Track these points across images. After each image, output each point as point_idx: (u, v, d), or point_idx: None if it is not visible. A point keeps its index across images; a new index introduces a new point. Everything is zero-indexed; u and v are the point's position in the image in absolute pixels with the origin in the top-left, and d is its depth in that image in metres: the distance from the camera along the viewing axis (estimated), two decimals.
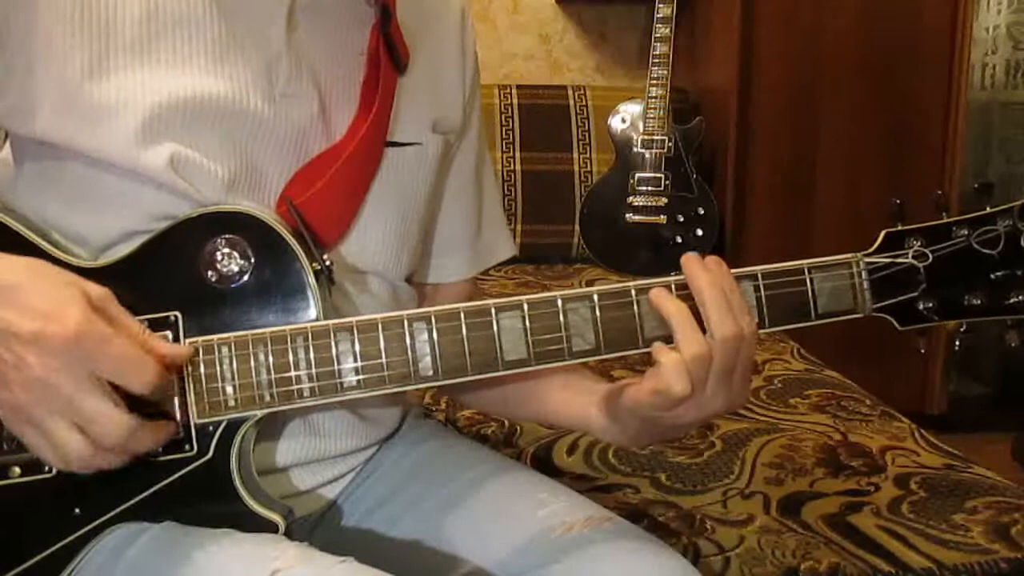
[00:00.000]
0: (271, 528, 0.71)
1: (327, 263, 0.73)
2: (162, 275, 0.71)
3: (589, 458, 1.27)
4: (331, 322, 0.71)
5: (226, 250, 0.71)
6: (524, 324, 0.71)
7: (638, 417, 0.74)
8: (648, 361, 0.71)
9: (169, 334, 0.70)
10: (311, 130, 0.77)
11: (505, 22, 2.80)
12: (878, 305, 0.75)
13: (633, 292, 0.72)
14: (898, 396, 1.90)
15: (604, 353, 0.73)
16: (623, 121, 2.36)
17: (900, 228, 0.75)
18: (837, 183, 2.39)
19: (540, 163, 2.46)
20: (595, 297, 0.72)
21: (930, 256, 0.74)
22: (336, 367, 0.70)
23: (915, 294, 0.75)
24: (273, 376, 0.70)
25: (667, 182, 2.32)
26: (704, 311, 0.69)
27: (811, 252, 0.75)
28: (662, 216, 2.32)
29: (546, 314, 0.72)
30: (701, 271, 0.70)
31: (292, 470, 0.80)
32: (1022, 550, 1.05)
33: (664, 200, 2.32)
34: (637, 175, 2.33)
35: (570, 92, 2.53)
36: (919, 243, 0.74)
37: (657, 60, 2.30)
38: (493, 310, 0.71)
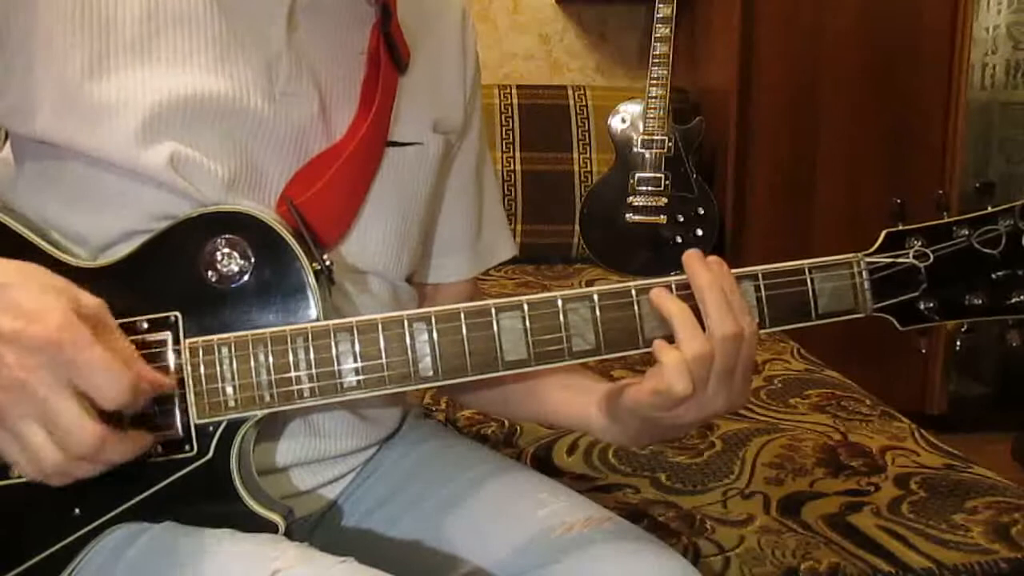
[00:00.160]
0: (271, 528, 0.71)
1: (327, 263, 0.73)
2: (162, 275, 0.71)
3: (589, 458, 1.27)
4: (331, 322, 0.71)
5: (226, 250, 0.71)
6: (524, 324, 0.71)
7: (638, 417, 0.74)
8: (648, 361, 0.71)
9: (169, 335, 0.70)
10: (311, 129, 0.77)
11: (505, 22, 2.80)
12: (879, 305, 0.75)
13: (633, 292, 0.72)
14: (898, 396, 1.91)
15: (604, 353, 0.73)
16: (623, 121, 2.36)
17: (901, 228, 0.75)
18: (837, 183, 2.39)
19: (540, 163, 2.46)
20: (595, 297, 0.72)
21: (931, 256, 0.74)
22: (336, 367, 0.70)
23: (916, 294, 0.74)
24: (273, 376, 0.70)
25: (667, 182, 2.32)
26: (705, 310, 0.69)
27: (811, 252, 0.75)
28: (662, 216, 2.32)
29: (546, 314, 0.72)
30: (703, 269, 0.70)
31: (292, 470, 0.80)
32: (1022, 550, 1.05)
33: (664, 200, 2.32)
34: (637, 175, 2.33)
35: (570, 92, 2.53)
36: (920, 243, 0.74)
37: (657, 60, 2.30)
38: (493, 310, 0.71)
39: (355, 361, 0.70)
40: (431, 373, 0.71)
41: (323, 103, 0.78)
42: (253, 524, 0.71)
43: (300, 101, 0.76)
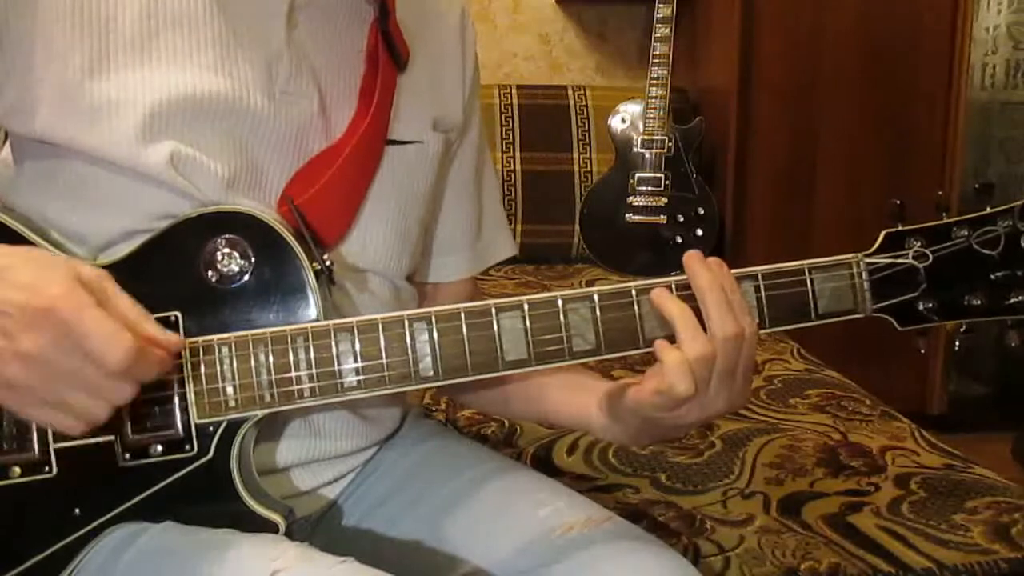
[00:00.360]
0: (271, 528, 0.71)
1: (327, 263, 0.73)
2: (162, 275, 0.71)
3: (589, 458, 1.27)
4: (331, 322, 0.71)
5: (226, 250, 0.71)
6: (524, 324, 0.71)
7: (640, 417, 0.74)
8: (648, 361, 0.71)
9: None
10: (311, 128, 0.77)
11: (505, 22, 2.80)
12: (878, 305, 0.75)
13: (633, 292, 0.72)
14: (898, 396, 1.90)
15: (604, 353, 0.73)
16: (623, 121, 2.36)
17: (900, 228, 0.75)
18: (837, 183, 2.39)
19: (540, 163, 2.46)
20: (595, 297, 0.72)
21: (930, 256, 0.74)
22: (336, 367, 0.70)
23: (915, 294, 0.75)
24: (273, 376, 0.70)
25: (667, 182, 2.32)
26: (706, 311, 0.69)
27: (811, 252, 0.75)
28: (662, 216, 2.32)
29: (546, 314, 0.72)
30: (703, 270, 0.70)
31: (292, 470, 0.80)
32: (1022, 550, 1.05)
33: (664, 200, 2.32)
34: (637, 175, 2.33)
35: (570, 92, 2.53)
36: (919, 243, 0.74)
37: (657, 60, 2.30)
38: (493, 310, 0.71)
39: (355, 361, 0.70)
40: (431, 373, 0.71)
41: (323, 102, 0.78)
42: (253, 524, 0.71)
43: (300, 100, 0.76)
